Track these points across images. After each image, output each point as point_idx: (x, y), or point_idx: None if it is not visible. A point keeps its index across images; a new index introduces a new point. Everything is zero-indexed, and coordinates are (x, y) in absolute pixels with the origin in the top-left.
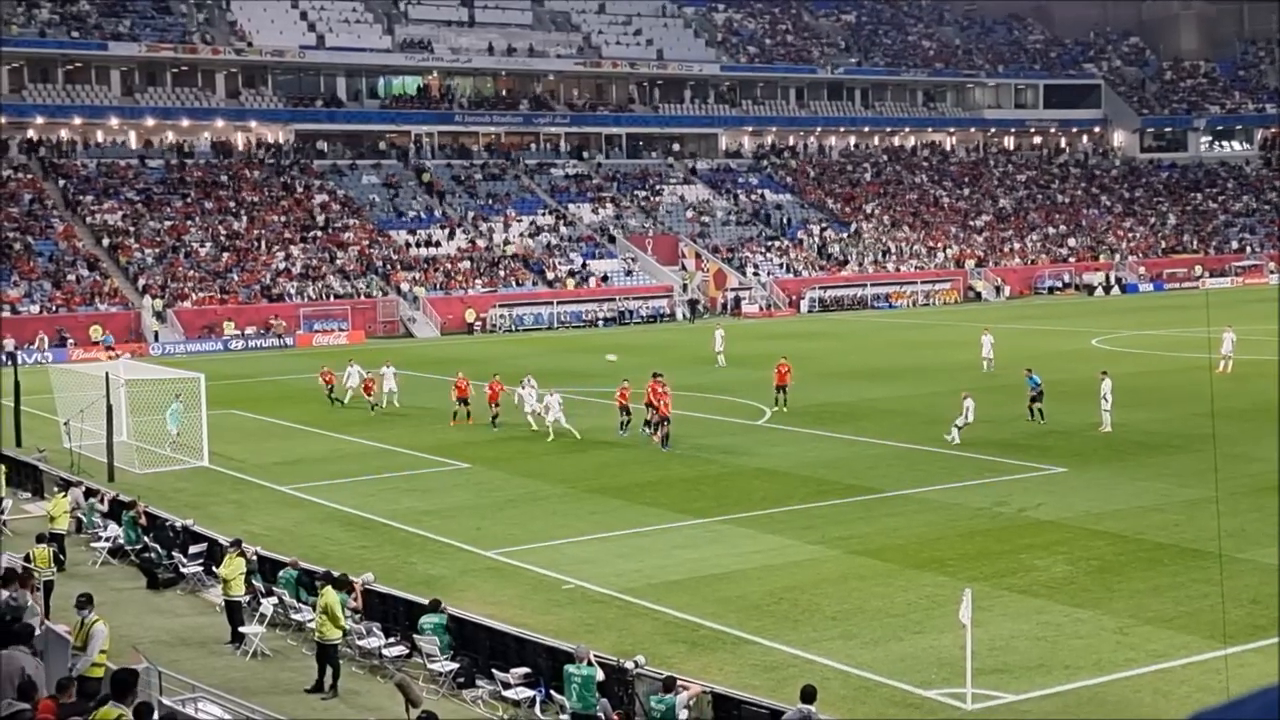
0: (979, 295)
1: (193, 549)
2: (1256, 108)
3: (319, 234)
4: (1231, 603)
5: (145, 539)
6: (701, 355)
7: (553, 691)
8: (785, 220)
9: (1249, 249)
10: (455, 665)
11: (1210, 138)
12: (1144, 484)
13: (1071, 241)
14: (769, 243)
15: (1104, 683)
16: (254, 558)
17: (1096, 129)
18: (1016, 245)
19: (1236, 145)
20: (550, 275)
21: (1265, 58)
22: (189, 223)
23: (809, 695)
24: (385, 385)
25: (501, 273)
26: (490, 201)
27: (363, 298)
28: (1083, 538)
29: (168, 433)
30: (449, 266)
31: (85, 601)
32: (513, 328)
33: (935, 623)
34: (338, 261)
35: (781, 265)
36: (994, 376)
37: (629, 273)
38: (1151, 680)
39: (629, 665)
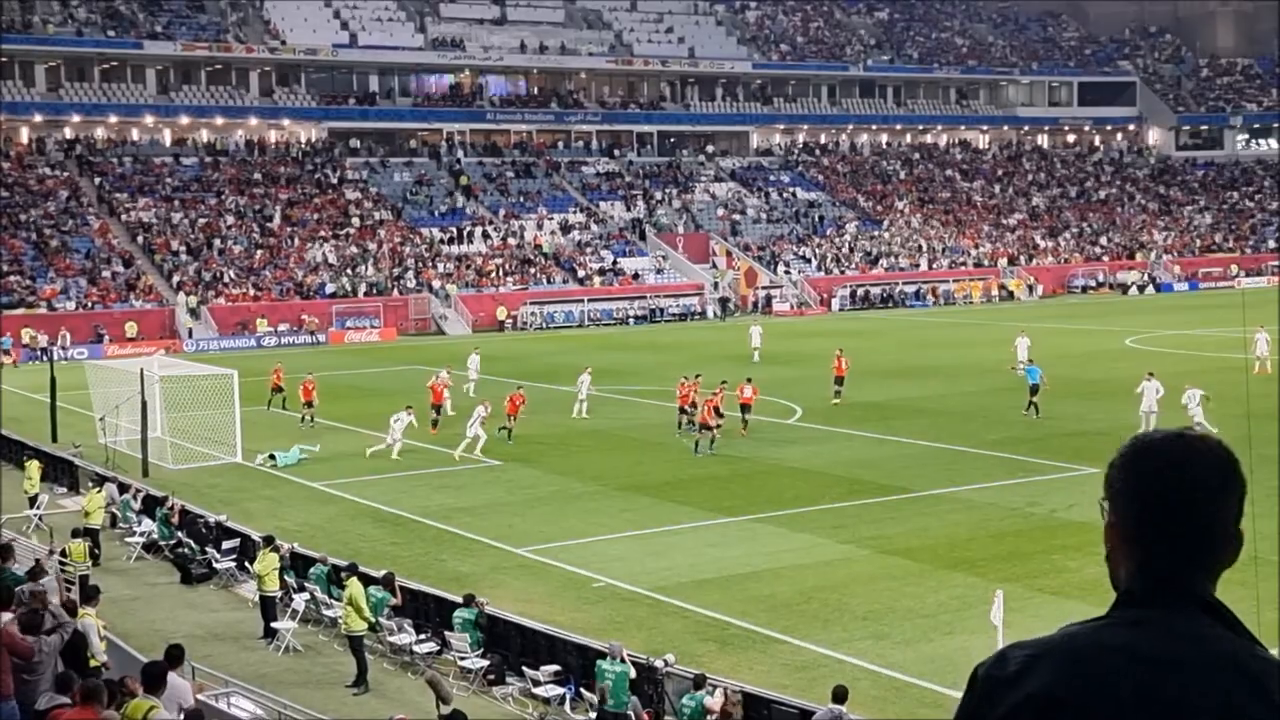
0: (1011, 294)
1: (226, 544)
2: None
3: (351, 231)
4: (1266, 605)
5: (179, 535)
6: (733, 353)
7: (582, 689)
8: (817, 218)
9: None
10: (486, 662)
11: (1247, 136)
12: None
13: (1105, 240)
14: (801, 240)
15: None
16: (287, 554)
17: (1131, 127)
18: (1049, 244)
19: (1274, 143)
20: (581, 273)
21: None
22: (222, 220)
23: (840, 695)
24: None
25: (533, 270)
26: (521, 199)
27: (395, 295)
28: None
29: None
30: (480, 264)
31: (88, 596)
32: (544, 325)
33: (966, 624)
34: (370, 258)
35: (813, 263)
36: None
37: (660, 270)
38: None
39: (659, 664)
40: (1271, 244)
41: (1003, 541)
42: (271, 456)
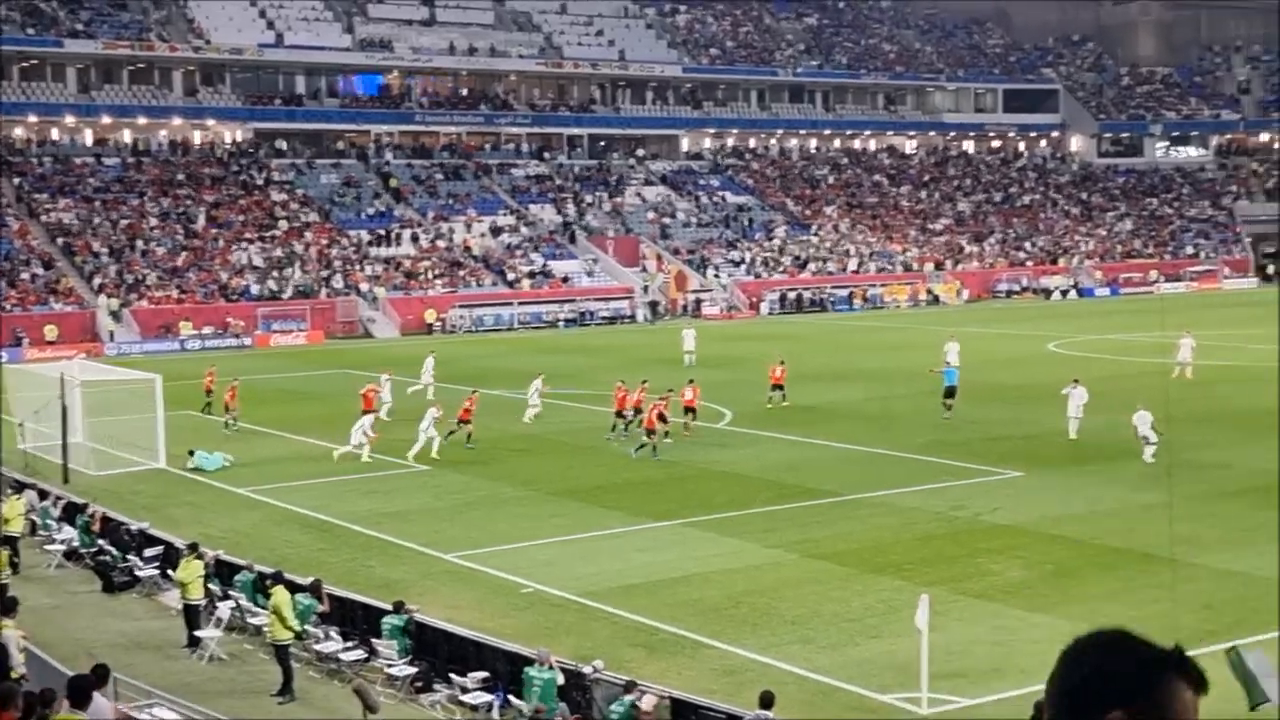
0: (937, 299)
1: (149, 552)
2: (1212, 113)
3: (278, 233)
4: (1184, 608)
5: (100, 542)
6: (663, 356)
7: (511, 696)
8: (746, 222)
9: (1203, 254)
10: (413, 669)
11: (1166, 143)
12: (1100, 489)
13: (1029, 245)
14: (730, 244)
15: None
16: (212, 561)
17: (1054, 134)
18: (975, 249)
19: (1192, 151)
20: (511, 276)
21: (1222, 64)
22: (145, 221)
23: (767, 701)
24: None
25: (462, 273)
26: (450, 201)
27: (322, 297)
28: (1039, 542)
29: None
30: (409, 266)
31: (7, 608)
32: (473, 328)
33: (892, 627)
34: (296, 261)
35: (742, 267)
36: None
37: (590, 274)
38: None
39: (587, 669)
40: (1190, 250)
41: (928, 545)
42: (191, 453)
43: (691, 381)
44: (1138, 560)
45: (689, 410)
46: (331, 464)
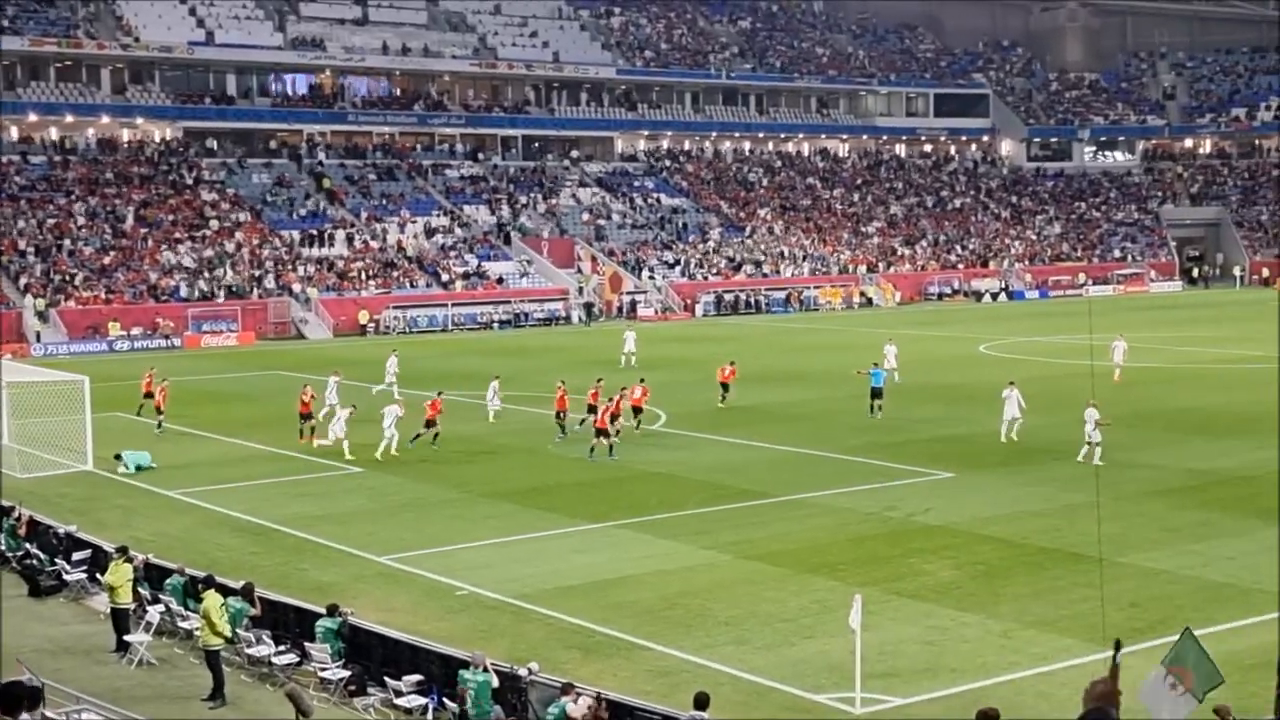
0: (870, 301)
1: (76, 556)
2: (1139, 119)
3: (208, 233)
4: (1111, 606)
5: (27, 546)
6: (600, 358)
7: (445, 699)
8: (681, 224)
9: (1130, 258)
10: (346, 673)
11: (1094, 148)
12: (1029, 489)
13: (960, 248)
14: (665, 246)
15: (988, 685)
16: (141, 565)
17: (985, 138)
18: (907, 251)
19: (1119, 155)
20: (445, 277)
21: (1148, 70)
22: (72, 221)
23: (701, 702)
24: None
25: (395, 274)
26: (384, 202)
27: (254, 298)
28: (969, 542)
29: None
30: (342, 267)
31: None
32: (407, 329)
33: (826, 627)
34: (227, 261)
35: (677, 269)
36: (896, 389)
37: (524, 275)
38: (1034, 683)
39: (523, 672)
40: (1117, 253)
41: (861, 545)
42: (118, 456)
43: (642, 380)
44: (1066, 560)
45: (636, 410)
46: (263, 466)
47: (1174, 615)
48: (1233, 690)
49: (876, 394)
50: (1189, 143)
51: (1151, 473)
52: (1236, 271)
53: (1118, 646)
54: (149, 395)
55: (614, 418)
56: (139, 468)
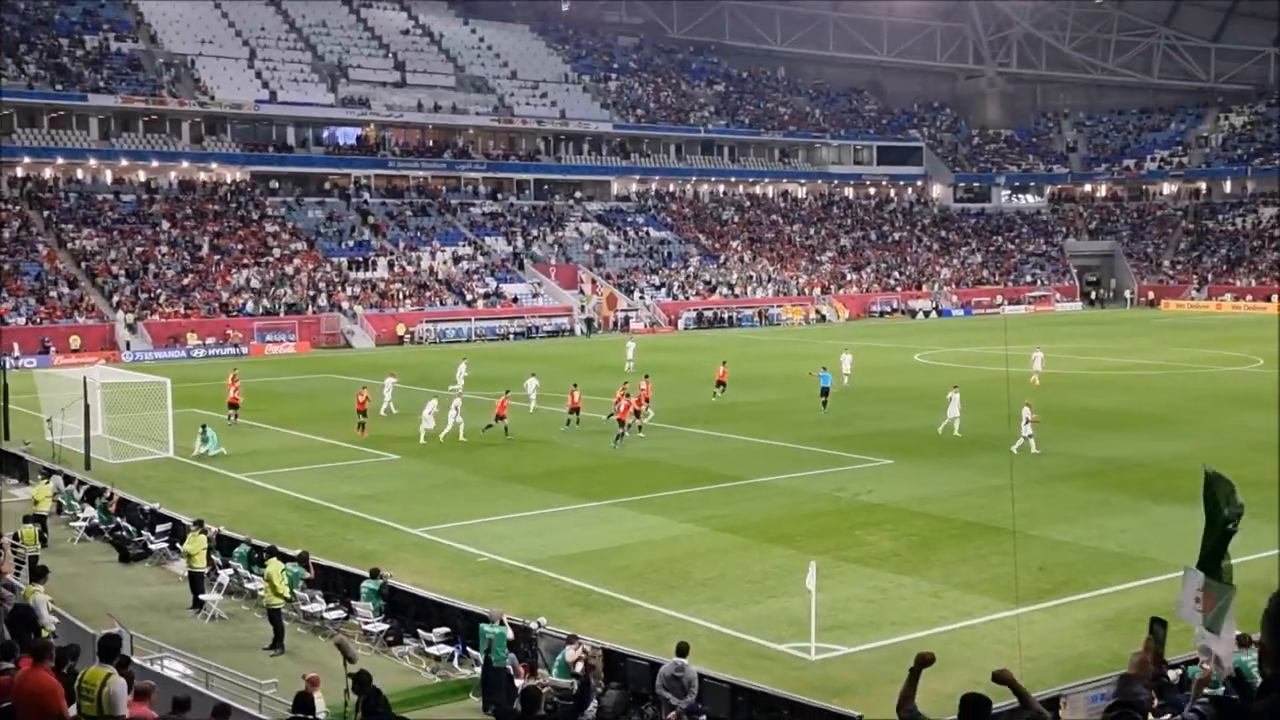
0: (824, 317)
1: (159, 528)
2: (1046, 168)
3: (271, 259)
4: (1023, 570)
5: (117, 520)
6: (599, 364)
7: (469, 648)
8: (666, 253)
9: (1039, 282)
10: (386, 626)
11: (1009, 191)
12: (956, 473)
13: (898, 274)
14: (653, 271)
15: (922, 637)
16: (214, 535)
17: (919, 182)
18: (855, 276)
19: (1030, 198)
20: (469, 296)
21: (1054, 127)
22: (157, 248)
23: (682, 650)
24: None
25: (428, 293)
26: (419, 233)
27: (309, 313)
28: (906, 518)
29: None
30: (383, 288)
31: (38, 575)
32: (437, 340)
33: (786, 588)
34: (287, 282)
35: (663, 290)
36: (848, 391)
37: (535, 295)
38: (960, 634)
39: (533, 625)
40: (1028, 279)
41: (815, 520)
42: (204, 426)
43: (647, 377)
44: (986, 532)
45: (645, 402)
46: (316, 454)
47: (1075, 579)
48: (1121, 642)
49: (825, 393)
50: (1088, 187)
51: (1060, 460)
52: (1127, 294)
53: (1159, 625)
54: (234, 406)
55: (637, 413)
56: (210, 442)
